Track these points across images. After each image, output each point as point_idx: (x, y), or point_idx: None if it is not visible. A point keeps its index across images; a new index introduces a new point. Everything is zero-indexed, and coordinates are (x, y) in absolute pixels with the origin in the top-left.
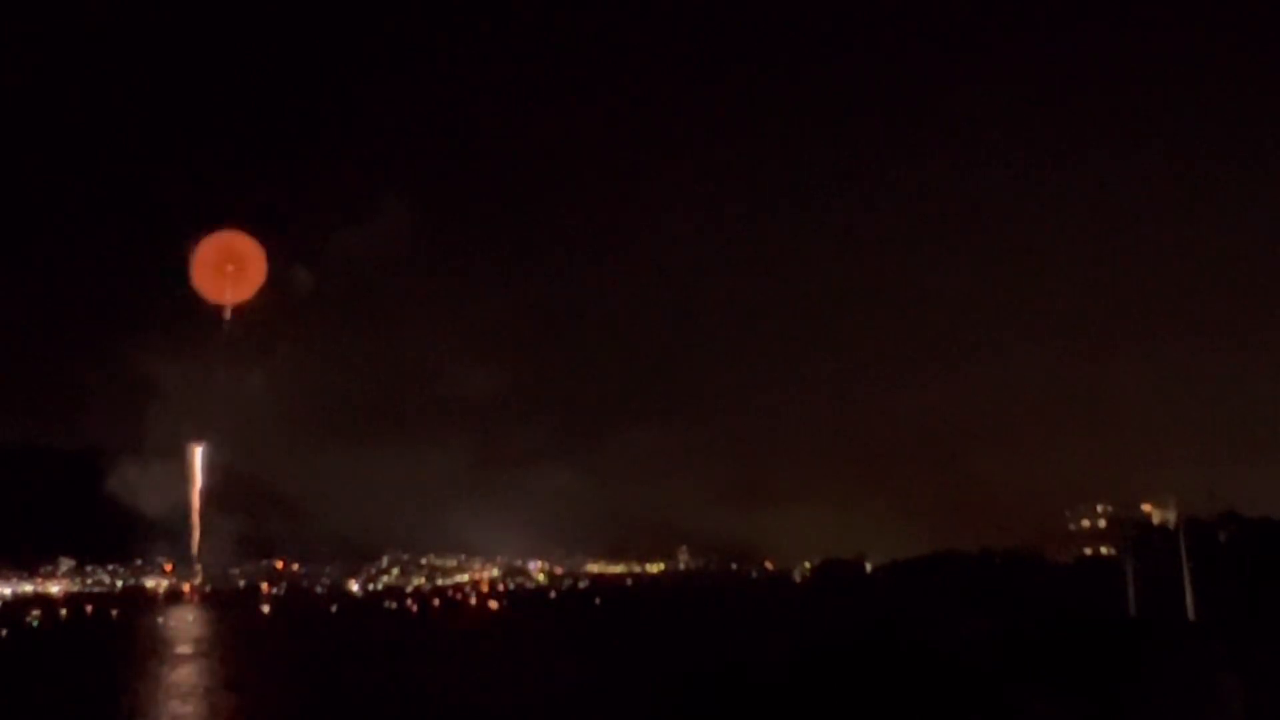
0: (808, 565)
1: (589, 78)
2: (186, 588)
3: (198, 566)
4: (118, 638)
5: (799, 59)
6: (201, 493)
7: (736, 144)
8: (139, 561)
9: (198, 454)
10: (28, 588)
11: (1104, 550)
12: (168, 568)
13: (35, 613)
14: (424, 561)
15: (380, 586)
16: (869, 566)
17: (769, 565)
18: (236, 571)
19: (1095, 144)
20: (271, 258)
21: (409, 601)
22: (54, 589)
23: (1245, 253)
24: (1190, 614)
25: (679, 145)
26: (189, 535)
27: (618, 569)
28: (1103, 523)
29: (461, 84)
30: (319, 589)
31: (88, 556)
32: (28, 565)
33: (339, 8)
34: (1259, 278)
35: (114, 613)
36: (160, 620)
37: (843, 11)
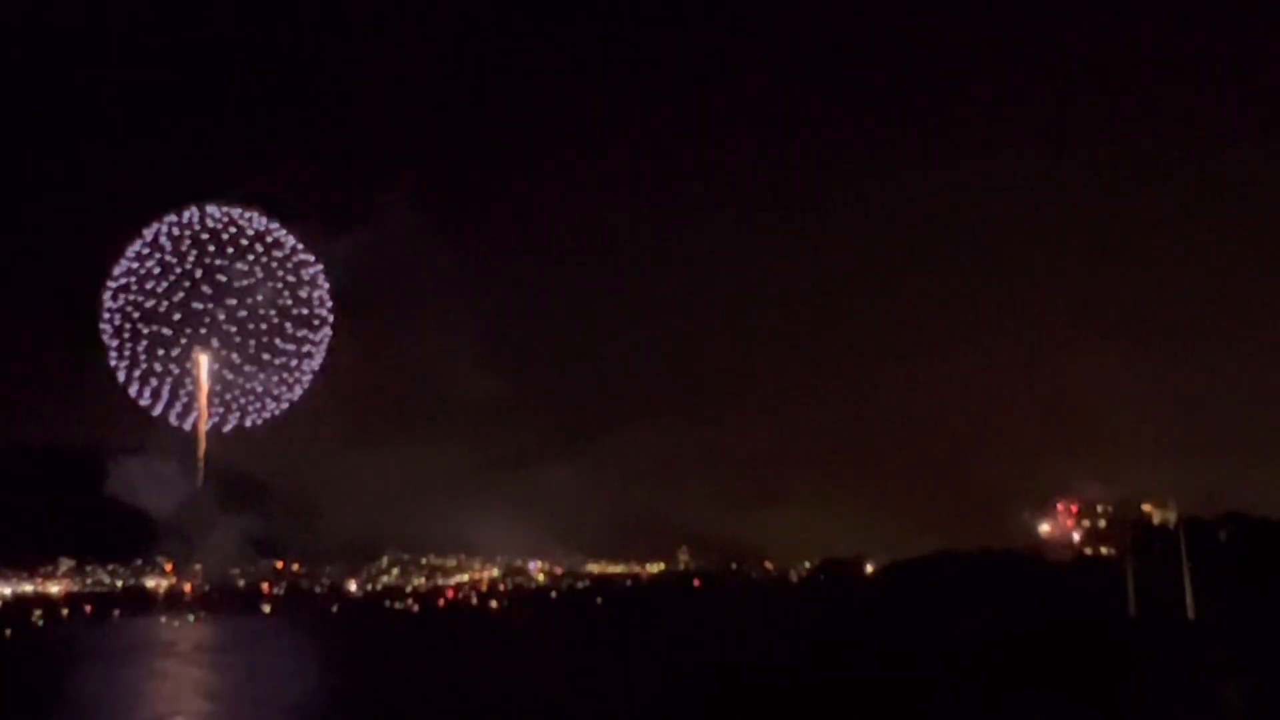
0: (806, 565)
1: (591, 79)
2: (187, 588)
3: (197, 567)
4: None
5: (791, 62)
6: (202, 493)
7: (738, 144)
8: (139, 561)
9: (198, 453)
10: (28, 588)
11: (1104, 550)
12: (168, 568)
13: (38, 613)
14: (424, 561)
15: (380, 587)
16: (869, 567)
17: (769, 565)
18: (236, 572)
19: (1094, 138)
20: None
21: (409, 601)
22: (54, 589)
23: (1246, 251)
24: (1190, 614)
25: (680, 145)
26: (189, 535)
27: (618, 569)
28: (1103, 523)
29: (462, 84)
30: (318, 589)
31: (88, 556)
32: (28, 565)
33: (347, 8)
34: (1260, 276)
35: (115, 612)
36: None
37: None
